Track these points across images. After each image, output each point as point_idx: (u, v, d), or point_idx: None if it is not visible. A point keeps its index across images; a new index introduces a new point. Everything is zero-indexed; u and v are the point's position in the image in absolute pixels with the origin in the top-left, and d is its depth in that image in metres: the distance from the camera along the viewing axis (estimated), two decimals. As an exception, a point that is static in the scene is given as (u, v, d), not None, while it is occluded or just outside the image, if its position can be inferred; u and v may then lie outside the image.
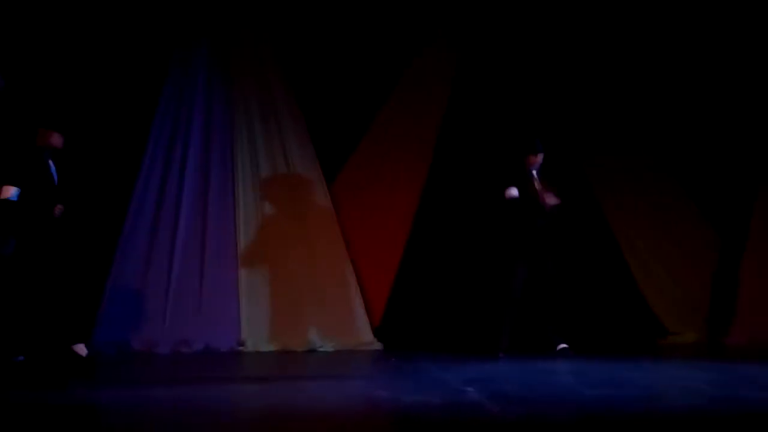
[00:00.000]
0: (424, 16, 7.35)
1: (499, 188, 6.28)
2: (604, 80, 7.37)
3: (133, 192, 6.89)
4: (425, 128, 7.31)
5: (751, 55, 7.30)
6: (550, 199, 6.25)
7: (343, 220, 7.13)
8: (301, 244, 7.02)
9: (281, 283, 6.93)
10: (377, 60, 7.24)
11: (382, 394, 4.43)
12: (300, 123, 7.19)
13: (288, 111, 7.19)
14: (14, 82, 6.37)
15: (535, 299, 6.31)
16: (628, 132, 7.39)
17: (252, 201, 7.04)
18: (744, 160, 7.35)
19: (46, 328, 5.82)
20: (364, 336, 6.93)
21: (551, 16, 7.34)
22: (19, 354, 5.60)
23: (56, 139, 5.86)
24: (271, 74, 7.21)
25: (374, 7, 7.23)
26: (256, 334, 6.80)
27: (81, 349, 5.97)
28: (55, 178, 5.90)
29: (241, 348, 6.74)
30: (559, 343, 6.19)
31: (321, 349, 6.78)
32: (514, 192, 6.23)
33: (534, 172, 6.35)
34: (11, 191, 5.60)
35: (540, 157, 6.34)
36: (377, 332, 7.01)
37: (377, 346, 6.89)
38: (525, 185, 6.28)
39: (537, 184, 6.31)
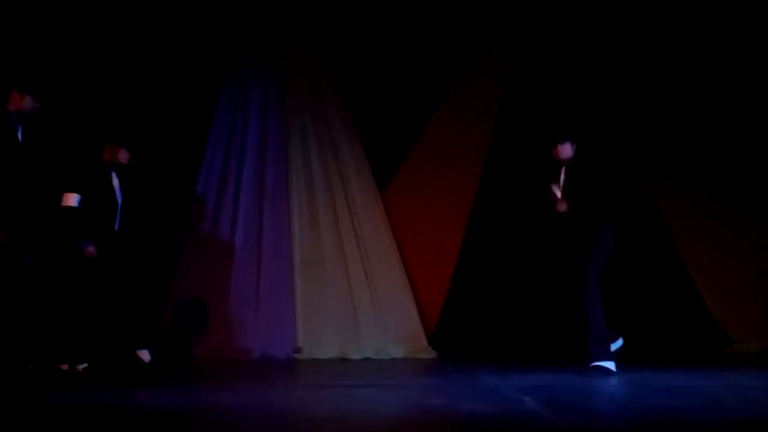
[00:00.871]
0: (477, 22, 7.34)
1: (542, 190, 5.71)
2: (665, 91, 7.26)
3: (191, 202, 7.06)
4: (478, 134, 7.30)
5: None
6: (561, 205, 5.47)
7: (396, 226, 7.15)
8: (355, 251, 7.05)
9: (336, 290, 6.98)
10: (429, 66, 7.26)
11: (436, 402, 4.40)
12: (352, 130, 7.26)
13: (340, 118, 7.26)
14: (84, 98, 6.69)
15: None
16: (690, 140, 7.26)
17: (306, 210, 7.11)
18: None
19: (110, 334, 5.95)
20: (419, 343, 6.93)
21: (607, 20, 7.26)
22: (83, 361, 5.72)
23: (123, 155, 5.98)
24: (323, 82, 7.29)
25: (427, 13, 7.24)
26: (311, 341, 6.85)
27: (144, 354, 6.09)
28: (118, 191, 6.02)
29: (297, 355, 6.79)
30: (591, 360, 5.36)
31: (376, 357, 6.79)
32: (556, 192, 5.54)
33: (563, 169, 5.56)
34: (73, 198, 5.75)
35: (568, 148, 5.49)
36: (432, 340, 6.99)
37: (432, 353, 6.87)
38: (544, 185, 5.61)
39: (559, 187, 5.53)
